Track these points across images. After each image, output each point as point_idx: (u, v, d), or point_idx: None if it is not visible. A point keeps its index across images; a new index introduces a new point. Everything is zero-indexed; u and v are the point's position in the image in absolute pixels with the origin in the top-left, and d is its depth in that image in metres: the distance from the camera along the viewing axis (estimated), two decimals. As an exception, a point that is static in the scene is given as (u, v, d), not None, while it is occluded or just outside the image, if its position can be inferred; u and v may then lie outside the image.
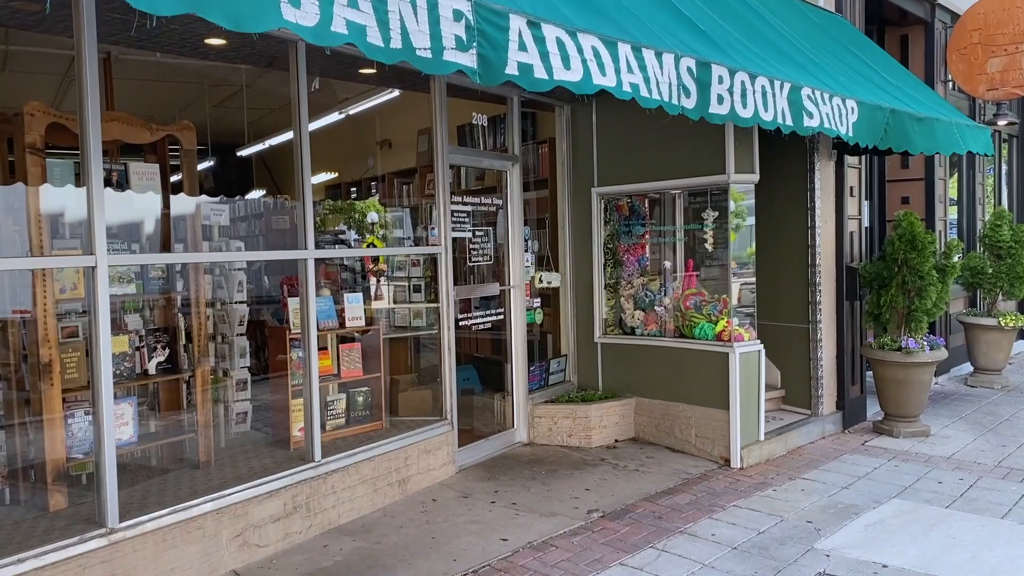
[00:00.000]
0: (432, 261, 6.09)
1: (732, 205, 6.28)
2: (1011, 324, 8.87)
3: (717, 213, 6.54)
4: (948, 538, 4.78)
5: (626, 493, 5.55)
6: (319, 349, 5.55)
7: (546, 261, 7.34)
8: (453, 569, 4.33)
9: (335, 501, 4.93)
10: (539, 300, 7.12)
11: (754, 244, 6.54)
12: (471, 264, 6.41)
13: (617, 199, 7.18)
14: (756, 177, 6.34)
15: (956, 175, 10.44)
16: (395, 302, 6.78)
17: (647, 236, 7.18)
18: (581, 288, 7.34)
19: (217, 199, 6.18)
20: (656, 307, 6.93)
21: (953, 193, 10.35)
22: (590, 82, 3.60)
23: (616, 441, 6.80)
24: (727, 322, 6.35)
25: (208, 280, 5.87)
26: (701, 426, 6.42)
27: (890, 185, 9.66)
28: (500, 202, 6.64)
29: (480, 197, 6.50)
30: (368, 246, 6.44)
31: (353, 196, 10.20)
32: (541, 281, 7.12)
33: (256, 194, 11.80)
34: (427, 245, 6.08)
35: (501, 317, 6.70)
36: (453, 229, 6.05)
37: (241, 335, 5.91)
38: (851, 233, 7.61)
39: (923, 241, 6.95)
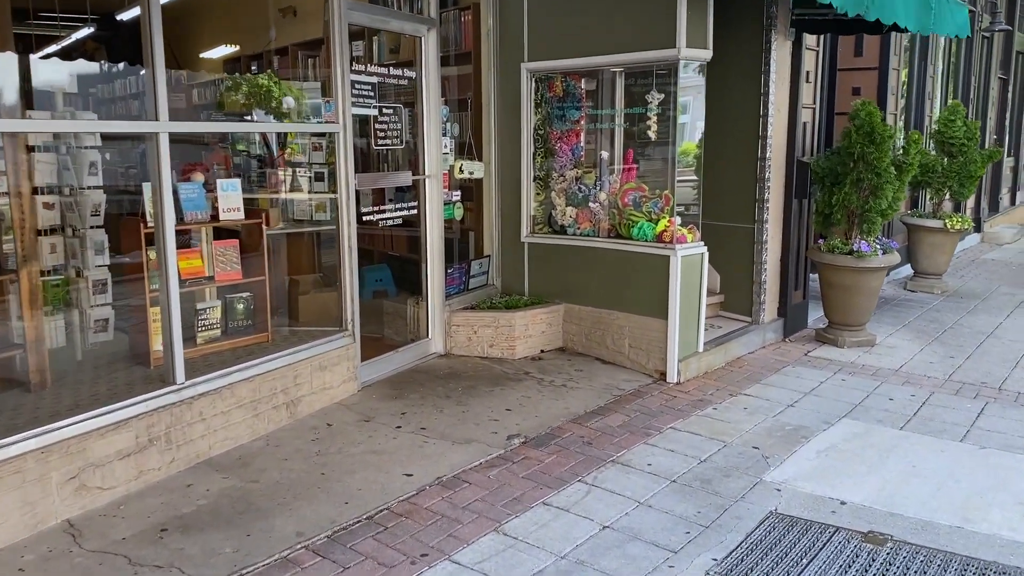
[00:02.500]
0: (331, 143, 5.12)
1: (680, 98, 5.43)
2: (957, 226, 8.44)
3: (662, 96, 5.70)
4: (907, 466, 4.28)
5: (552, 413, 4.89)
6: (188, 247, 4.61)
7: (468, 148, 6.42)
8: (343, 515, 3.59)
9: (204, 430, 4.11)
10: (459, 193, 6.23)
11: (703, 134, 5.76)
12: (378, 148, 5.46)
13: (550, 77, 6.24)
14: (709, 53, 5.50)
15: (907, 68, 9.79)
16: (292, 190, 5.84)
17: (582, 122, 6.32)
18: (507, 180, 6.47)
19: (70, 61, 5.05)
20: (590, 203, 6.14)
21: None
22: None
23: (542, 352, 6.12)
24: (669, 221, 5.62)
25: (51, 160, 4.78)
26: (636, 336, 5.77)
27: (841, 74, 8.89)
28: (413, 75, 5.64)
29: (389, 68, 5.48)
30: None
31: (253, 71, 9.02)
32: (462, 171, 6.22)
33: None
34: (321, 122, 5.09)
35: (415, 212, 5.81)
36: (356, 105, 5.06)
37: (97, 227, 4.89)
38: (804, 124, 6.90)
39: (882, 135, 6.29)
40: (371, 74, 5.19)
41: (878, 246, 6.44)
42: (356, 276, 5.07)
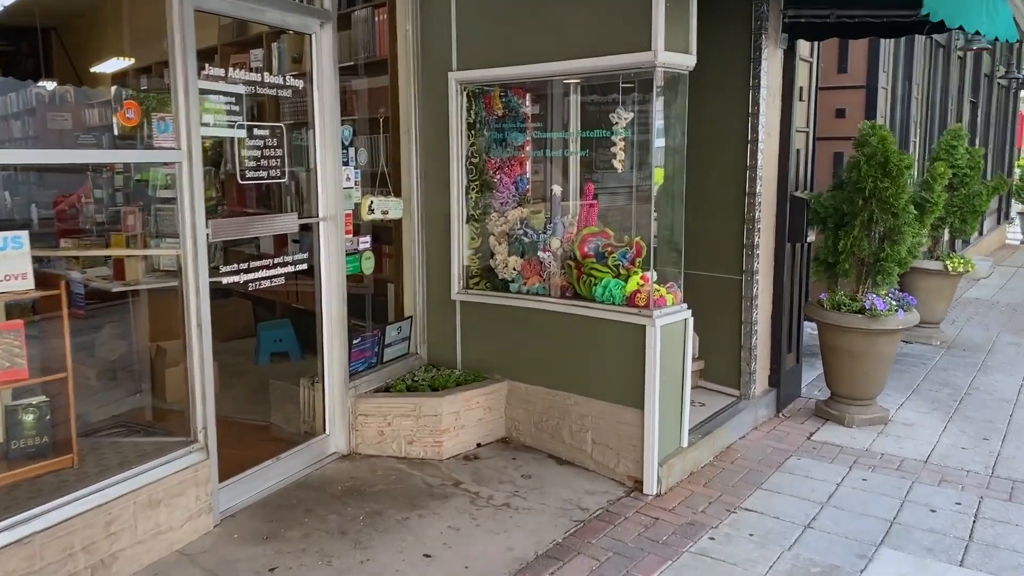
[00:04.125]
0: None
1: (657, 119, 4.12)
2: (960, 269, 7.31)
3: (632, 115, 4.39)
4: (999, 645, 2.98)
5: (490, 561, 3.46)
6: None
7: (381, 180, 5.01)
8: None
9: (-69, 639, 2.59)
10: (368, 240, 4.80)
11: (684, 161, 4.46)
12: (247, 182, 3.99)
13: (486, 91, 4.87)
14: (692, 59, 4.21)
15: (891, 86, 8.72)
16: (153, 237, 4.42)
17: (528, 147, 4.97)
18: (433, 221, 5.07)
19: None
20: (540, 252, 4.76)
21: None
22: None
23: (479, 446, 4.70)
24: (642, 277, 4.29)
25: None
26: (601, 429, 4.40)
27: (822, 94, 7.77)
28: (301, 84, 4.21)
29: (263, 75, 4.03)
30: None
31: (143, 89, 7.63)
32: (372, 210, 4.79)
33: (49, 84, 8.91)
34: (154, 148, 3.60)
35: (305, 266, 4.34)
36: (210, 124, 3.62)
37: None
38: (798, 151, 5.67)
39: (898, 166, 5.07)
40: (234, 82, 3.73)
41: (894, 302, 5.21)
42: (208, 366, 3.59)
